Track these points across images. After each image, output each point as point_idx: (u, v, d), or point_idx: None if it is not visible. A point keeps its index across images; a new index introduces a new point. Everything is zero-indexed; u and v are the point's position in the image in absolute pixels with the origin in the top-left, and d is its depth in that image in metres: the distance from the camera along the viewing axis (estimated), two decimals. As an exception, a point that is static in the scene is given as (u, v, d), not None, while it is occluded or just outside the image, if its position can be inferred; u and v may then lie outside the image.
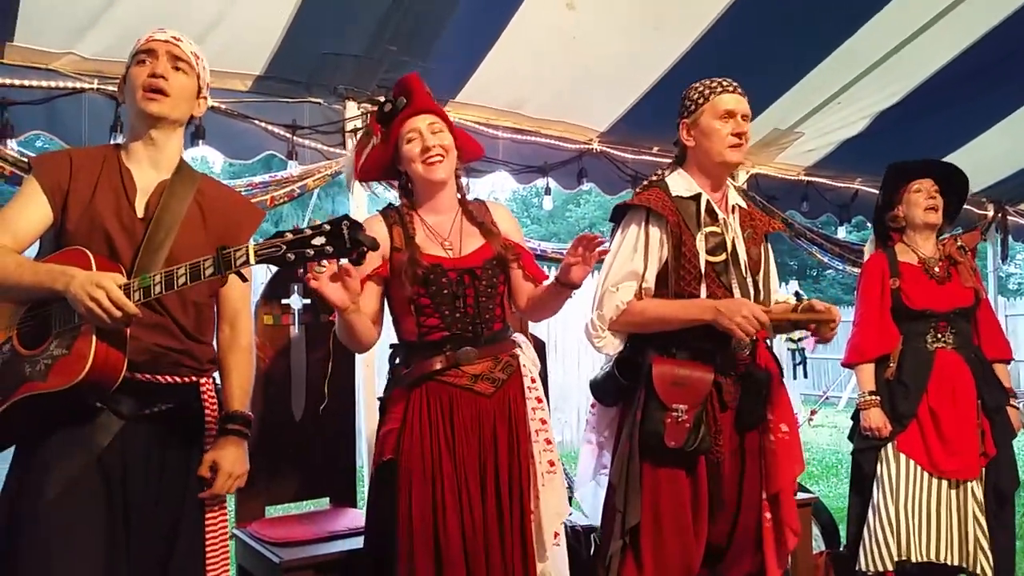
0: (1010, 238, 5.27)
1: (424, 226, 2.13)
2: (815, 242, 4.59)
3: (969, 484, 2.86)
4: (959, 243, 3.09)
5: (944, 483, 2.86)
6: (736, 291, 2.21)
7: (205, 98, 1.94)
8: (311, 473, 2.68)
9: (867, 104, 3.91)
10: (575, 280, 2.00)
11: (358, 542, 2.25)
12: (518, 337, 2.22)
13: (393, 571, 1.98)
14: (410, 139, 2.10)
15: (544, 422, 2.15)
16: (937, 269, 3.00)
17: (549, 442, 2.13)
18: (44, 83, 2.60)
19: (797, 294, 4.75)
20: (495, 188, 22.15)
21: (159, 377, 1.78)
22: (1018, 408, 3.08)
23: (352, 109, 3.13)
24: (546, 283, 2.13)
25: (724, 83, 2.27)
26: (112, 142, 2.55)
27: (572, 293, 2.07)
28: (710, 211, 2.26)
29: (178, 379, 1.81)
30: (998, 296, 5.84)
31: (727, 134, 2.22)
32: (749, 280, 2.26)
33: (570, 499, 2.40)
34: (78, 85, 2.65)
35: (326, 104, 3.09)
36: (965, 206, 3.47)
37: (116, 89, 2.02)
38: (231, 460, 1.83)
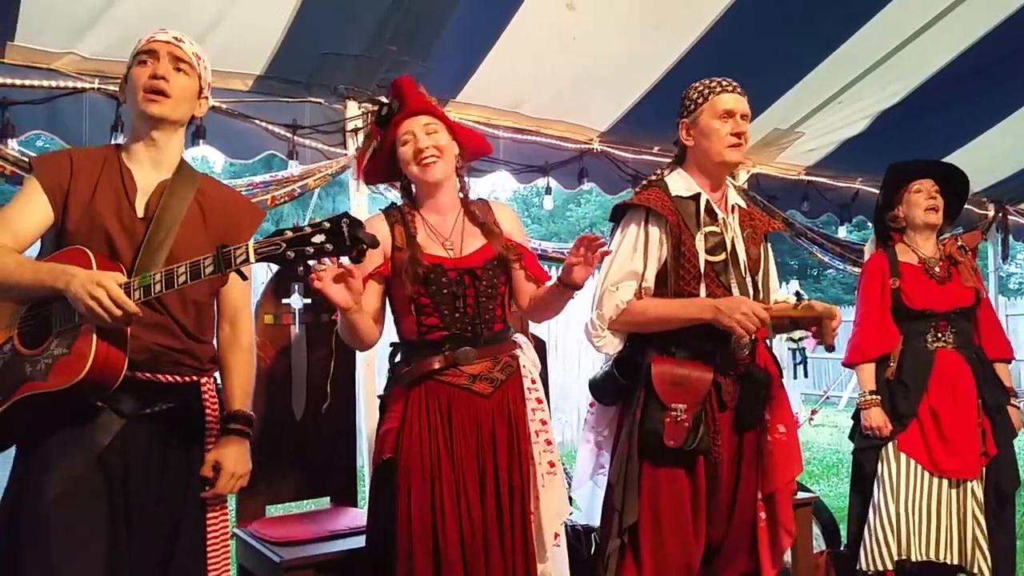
0: (1011, 238, 5.27)
1: (426, 226, 2.14)
2: (816, 242, 4.59)
3: (969, 484, 2.86)
4: (960, 243, 3.09)
5: (944, 482, 2.86)
6: (735, 291, 2.21)
7: (207, 98, 1.94)
8: (312, 472, 2.69)
9: (868, 104, 3.91)
10: (577, 281, 2.00)
11: (359, 541, 2.25)
12: (519, 338, 2.22)
13: (392, 570, 1.98)
14: (405, 141, 2.11)
15: (544, 423, 2.15)
16: (937, 269, 3.01)
17: (549, 443, 2.13)
18: (45, 83, 2.60)
19: (798, 294, 4.74)
20: (496, 188, 22.20)
21: (160, 376, 1.78)
22: (1019, 407, 3.08)
23: (353, 109, 3.13)
24: (548, 284, 2.14)
25: (723, 83, 2.27)
26: (113, 142, 2.55)
27: (574, 294, 2.07)
28: (709, 211, 2.26)
29: (179, 378, 1.81)
30: (999, 296, 5.84)
31: (726, 134, 2.22)
32: (748, 280, 2.26)
33: (571, 499, 2.40)
34: (79, 85, 2.65)
35: (327, 104, 3.10)
36: (966, 206, 3.47)
37: (117, 89, 2.02)
38: (233, 460, 1.83)
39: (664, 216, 2.22)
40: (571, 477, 2.56)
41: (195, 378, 1.85)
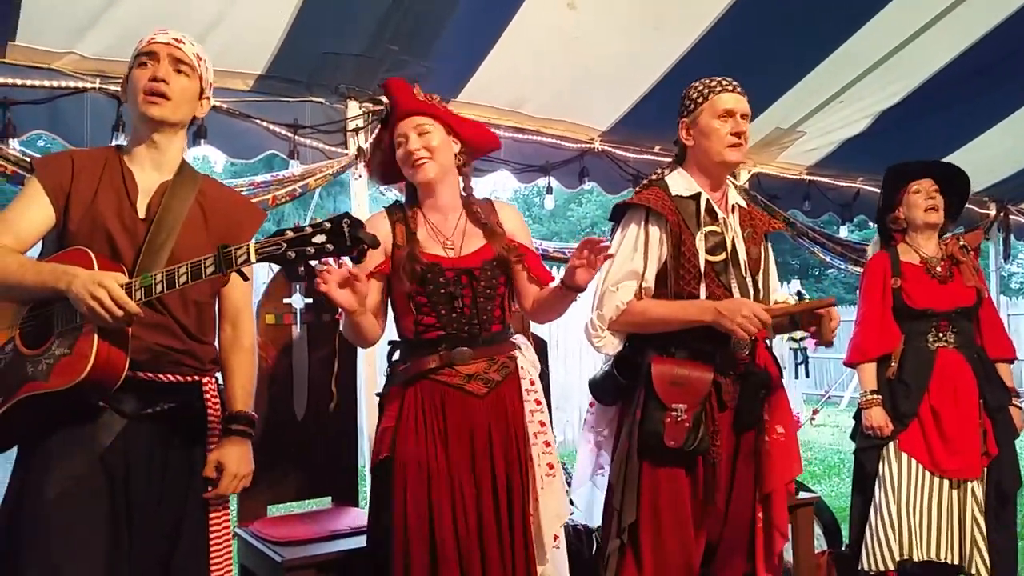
0: (1012, 237, 5.26)
1: (427, 224, 2.14)
2: (817, 241, 4.58)
3: (970, 484, 2.86)
4: (961, 242, 3.09)
5: (946, 482, 2.86)
6: (736, 291, 2.21)
7: (208, 98, 1.94)
8: (313, 472, 2.69)
9: (869, 103, 3.91)
10: (580, 283, 2.00)
11: (360, 541, 2.25)
12: (518, 339, 2.22)
13: (390, 569, 1.98)
14: (399, 143, 2.12)
15: (543, 424, 2.15)
16: (939, 268, 3.01)
17: (548, 444, 2.13)
18: (46, 83, 2.60)
19: (799, 294, 4.75)
20: (497, 187, 22.21)
21: (161, 376, 1.78)
22: (1021, 408, 3.08)
23: (353, 108, 3.13)
24: (552, 285, 2.13)
25: (723, 82, 2.26)
26: (114, 142, 2.56)
27: (577, 296, 2.06)
28: (710, 210, 2.26)
29: (180, 378, 1.81)
30: (1000, 295, 5.83)
31: (726, 133, 2.22)
32: (749, 280, 2.25)
33: (571, 499, 2.40)
34: (80, 85, 2.65)
35: (327, 103, 3.10)
36: (967, 205, 3.47)
37: (118, 89, 2.02)
38: (236, 460, 1.83)
39: (664, 216, 2.21)
40: (572, 477, 2.57)
41: (196, 378, 1.85)
